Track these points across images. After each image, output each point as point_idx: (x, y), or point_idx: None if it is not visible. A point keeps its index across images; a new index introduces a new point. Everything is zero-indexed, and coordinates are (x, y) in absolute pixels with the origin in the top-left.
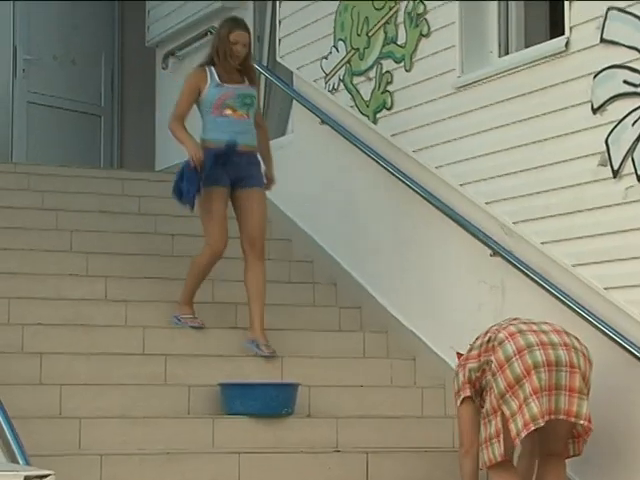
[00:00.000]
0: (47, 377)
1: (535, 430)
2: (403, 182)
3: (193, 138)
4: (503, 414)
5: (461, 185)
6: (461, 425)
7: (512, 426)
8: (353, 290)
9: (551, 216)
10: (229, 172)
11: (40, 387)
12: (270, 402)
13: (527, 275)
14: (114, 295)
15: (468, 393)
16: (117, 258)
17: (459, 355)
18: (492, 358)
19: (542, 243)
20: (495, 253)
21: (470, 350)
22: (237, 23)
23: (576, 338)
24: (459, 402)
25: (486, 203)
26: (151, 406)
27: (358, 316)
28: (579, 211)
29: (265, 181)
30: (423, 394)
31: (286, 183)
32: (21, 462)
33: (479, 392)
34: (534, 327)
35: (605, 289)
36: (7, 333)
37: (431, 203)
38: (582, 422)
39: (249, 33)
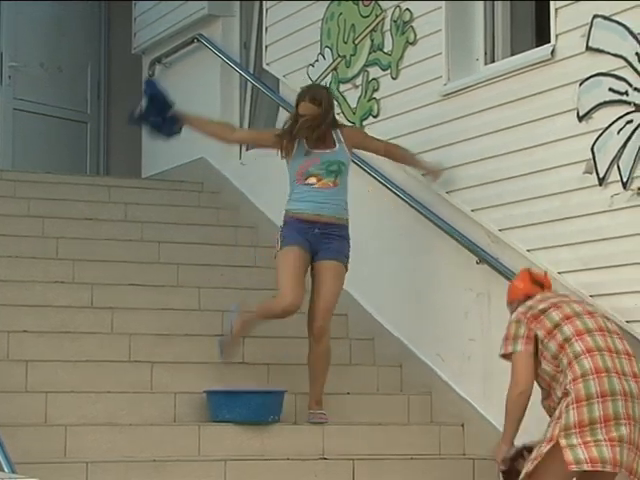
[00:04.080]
0: (33, 385)
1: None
2: (389, 189)
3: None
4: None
5: (447, 192)
6: (515, 366)
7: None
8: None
9: (537, 224)
10: (310, 241)
11: (26, 395)
12: (257, 409)
13: None
14: (100, 302)
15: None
16: (103, 265)
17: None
18: (567, 370)
19: (528, 250)
20: (481, 261)
21: (530, 309)
22: (303, 95)
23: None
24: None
25: (472, 210)
26: (137, 414)
27: (344, 323)
28: (565, 219)
29: (428, 174)
30: (409, 401)
31: (272, 189)
32: (7, 470)
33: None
34: (609, 342)
35: (591, 296)
36: None
37: (417, 210)
38: None
39: (318, 103)
